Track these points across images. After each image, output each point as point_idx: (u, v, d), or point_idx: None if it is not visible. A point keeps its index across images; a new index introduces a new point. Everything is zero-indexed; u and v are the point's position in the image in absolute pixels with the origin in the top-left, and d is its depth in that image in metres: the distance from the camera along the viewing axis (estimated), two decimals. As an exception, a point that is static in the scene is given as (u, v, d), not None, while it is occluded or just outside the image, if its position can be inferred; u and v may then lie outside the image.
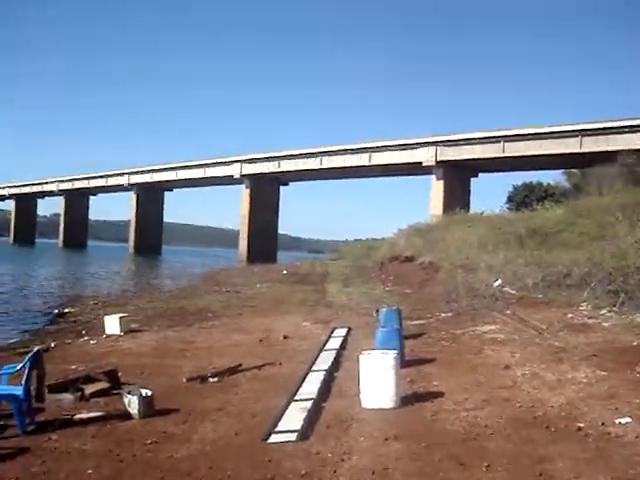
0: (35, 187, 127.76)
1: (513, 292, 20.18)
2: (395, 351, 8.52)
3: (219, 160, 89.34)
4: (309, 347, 13.03)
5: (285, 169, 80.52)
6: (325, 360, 11.13)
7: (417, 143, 64.28)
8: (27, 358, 7.97)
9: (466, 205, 55.63)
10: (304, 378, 9.61)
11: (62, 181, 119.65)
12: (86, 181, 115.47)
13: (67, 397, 9.18)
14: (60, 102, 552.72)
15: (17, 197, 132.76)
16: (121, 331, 16.07)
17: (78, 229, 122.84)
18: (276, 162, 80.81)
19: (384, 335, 10.59)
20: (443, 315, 17.47)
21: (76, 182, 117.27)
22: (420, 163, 63.59)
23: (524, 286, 20.36)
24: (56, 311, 23.19)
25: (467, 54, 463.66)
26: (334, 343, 13.17)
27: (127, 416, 7.98)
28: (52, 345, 14.77)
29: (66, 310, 23.12)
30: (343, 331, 14.92)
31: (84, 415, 8.07)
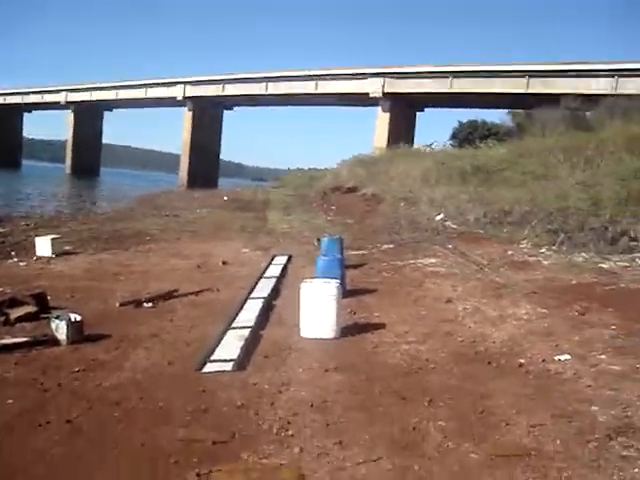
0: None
1: (455, 227, 20.28)
2: (337, 281, 8.27)
3: (162, 81, 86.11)
4: (248, 274, 12.75)
5: (229, 93, 78.29)
6: (264, 287, 10.88)
7: (365, 73, 63.05)
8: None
9: (411, 139, 55.55)
10: (242, 305, 9.35)
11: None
12: (19, 96, 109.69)
13: (-14, 322, 8.71)
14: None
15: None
16: (53, 253, 15.41)
17: (11, 147, 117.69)
18: (220, 85, 78.45)
19: (325, 264, 10.33)
20: (385, 247, 17.39)
21: (7, 97, 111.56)
22: (367, 94, 62.61)
23: (466, 221, 20.49)
24: (-19, 230, 22.22)
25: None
26: (274, 270, 12.92)
27: (55, 342, 7.57)
28: (-25, 265, 14.08)
29: (-5, 230, 22.16)
30: (283, 259, 14.68)
31: (7, 341, 7.60)
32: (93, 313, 9.20)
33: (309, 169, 63.97)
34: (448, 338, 7.94)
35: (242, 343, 7.23)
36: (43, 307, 9.35)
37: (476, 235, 18.77)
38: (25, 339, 7.69)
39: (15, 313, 8.81)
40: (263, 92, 73.43)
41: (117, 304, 9.72)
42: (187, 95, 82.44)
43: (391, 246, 17.40)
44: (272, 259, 14.69)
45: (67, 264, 14.15)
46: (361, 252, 16.25)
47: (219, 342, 7.30)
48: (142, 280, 12.01)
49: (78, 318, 7.78)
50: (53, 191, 50.97)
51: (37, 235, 17.59)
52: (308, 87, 68.37)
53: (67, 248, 16.74)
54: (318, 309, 7.64)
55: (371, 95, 62.29)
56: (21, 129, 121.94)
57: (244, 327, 7.98)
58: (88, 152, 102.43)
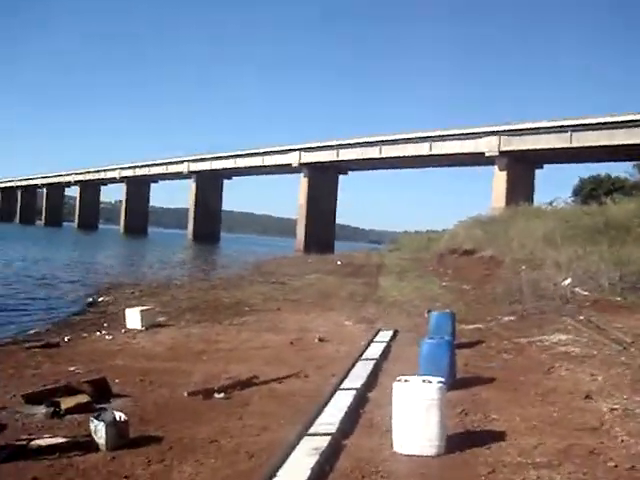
0: (98, 174, 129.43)
1: (586, 293, 17.83)
2: (440, 380, 6.33)
3: (278, 148, 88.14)
4: (346, 353, 11.12)
5: (344, 158, 78.55)
6: (360, 374, 9.18)
7: (480, 132, 61.23)
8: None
9: (530, 197, 52.61)
10: (329, 399, 7.69)
11: (124, 168, 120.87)
12: (146, 168, 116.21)
13: (39, 412, 7.58)
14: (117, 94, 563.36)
15: (81, 184, 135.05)
16: (142, 326, 14.53)
17: (139, 215, 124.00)
18: (334, 151, 78.90)
19: (431, 348, 8.42)
20: (505, 319, 15.27)
21: (137, 169, 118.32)
22: (482, 153, 60.70)
23: (598, 287, 18.02)
24: (90, 299, 22.05)
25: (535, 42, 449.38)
26: (375, 350, 11.21)
27: (94, 446, 6.25)
28: (66, 339, 13.37)
29: (100, 299, 21.90)
30: (388, 334, 12.96)
31: (42, 441, 6.37)
32: (156, 404, 7.93)
33: (426, 231, 62.27)
34: (594, 460, 5.76)
35: (316, 460, 5.56)
36: (103, 395, 8.20)
37: (613, 303, 16.32)
38: (62, 440, 6.42)
39: (66, 403, 7.64)
40: (377, 155, 72.98)
41: (185, 393, 8.35)
42: (302, 161, 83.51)
43: (512, 318, 15.25)
44: (375, 334, 13.02)
45: (152, 339, 13.13)
46: (477, 326, 14.23)
47: (287, 458, 5.66)
48: (225, 361, 10.67)
49: (123, 418, 6.44)
50: (172, 258, 51.88)
51: (137, 305, 16.91)
52: (422, 149, 67.22)
53: (160, 320, 15.93)
54: (415, 418, 5.86)
55: (487, 154, 60.23)
56: (148, 199, 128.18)
57: (324, 434, 6.33)
58: (209, 219, 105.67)
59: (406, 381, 6.06)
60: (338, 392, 8.09)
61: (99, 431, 6.24)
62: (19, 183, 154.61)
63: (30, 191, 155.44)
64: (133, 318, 14.80)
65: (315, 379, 9.21)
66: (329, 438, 6.20)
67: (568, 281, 19.33)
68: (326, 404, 7.46)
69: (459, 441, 6.14)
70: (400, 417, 5.95)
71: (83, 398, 7.77)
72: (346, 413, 7.07)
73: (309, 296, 21.56)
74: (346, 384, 8.54)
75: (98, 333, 14.07)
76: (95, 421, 6.32)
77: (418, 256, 38.35)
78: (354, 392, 8.00)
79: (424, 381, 6.02)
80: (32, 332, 15.28)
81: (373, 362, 10.03)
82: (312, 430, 6.49)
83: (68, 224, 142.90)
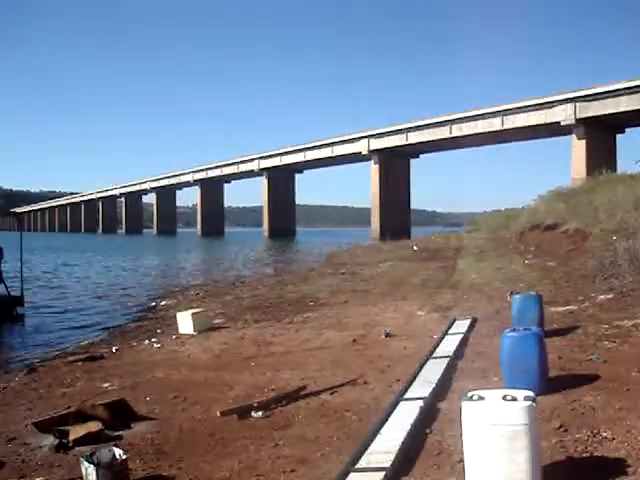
0: (172, 179, 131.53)
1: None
2: (529, 395, 4.36)
3: (346, 137, 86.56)
4: (415, 351, 9.51)
5: (413, 141, 76.17)
6: (429, 377, 7.54)
7: (554, 101, 57.72)
8: None
9: (612, 165, 48.95)
10: (387, 416, 6.14)
11: (196, 171, 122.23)
12: (218, 169, 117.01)
13: (48, 443, 6.39)
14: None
15: (157, 190, 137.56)
16: (195, 329, 13.35)
17: (214, 217, 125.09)
18: (403, 134, 76.64)
19: (515, 343, 6.62)
20: (601, 297, 13.23)
21: (209, 171, 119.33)
22: (558, 123, 57.17)
23: None
24: (153, 304, 21.23)
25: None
26: (449, 345, 9.53)
27: (88, 494, 4.95)
28: (113, 350, 12.34)
29: (163, 303, 21.03)
30: (465, 324, 11.23)
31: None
32: (181, 429, 6.61)
33: (505, 209, 59.30)
34: None
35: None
36: (123, 418, 6.93)
37: None
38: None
39: (75, 433, 6.39)
40: (447, 135, 70.25)
41: (218, 413, 6.96)
42: (372, 148, 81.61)
43: (610, 296, 13.19)
44: (450, 325, 11.33)
45: (203, 345, 11.90)
46: (568, 308, 12.28)
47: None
48: (274, 367, 9.24)
49: (121, 456, 5.08)
50: (244, 256, 51.22)
51: (190, 308, 15.80)
52: (493, 124, 64.08)
53: (218, 321, 14.83)
54: (494, 452, 4.14)
55: (563, 123, 56.66)
56: (222, 199, 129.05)
57: (376, 469, 4.78)
58: (283, 214, 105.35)
59: (480, 398, 4.29)
60: (401, 404, 6.51)
61: (90, 475, 4.93)
62: (99, 195, 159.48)
63: (110, 201, 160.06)
64: (185, 322, 13.66)
65: (375, 386, 7.63)
66: (382, 475, 4.65)
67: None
68: (384, 423, 5.90)
69: (559, 475, 4.44)
70: (473, 450, 4.23)
71: (94, 426, 6.50)
72: (407, 435, 5.48)
73: (380, 285, 19.98)
74: (411, 392, 6.94)
75: (147, 341, 12.97)
76: (85, 463, 5.00)
77: (498, 235, 36.17)
78: (420, 403, 6.40)
79: (505, 398, 4.25)
80: (84, 343, 14.46)
81: (446, 361, 8.37)
82: (362, 463, 4.96)
83: (148, 231, 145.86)
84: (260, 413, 6.82)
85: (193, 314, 13.71)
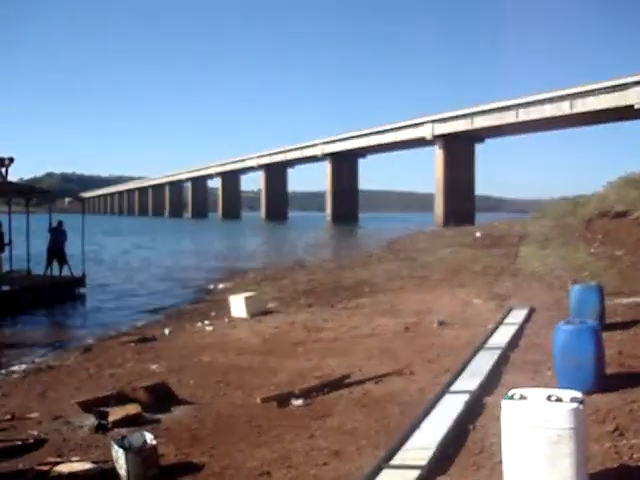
0: (237, 164, 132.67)
1: None
2: (576, 396, 3.97)
3: (409, 122, 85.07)
4: (467, 340, 9.15)
5: (478, 126, 74.15)
6: (479, 369, 7.21)
7: (627, 83, 54.83)
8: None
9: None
10: (430, 409, 5.85)
11: (261, 156, 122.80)
12: (282, 154, 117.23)
13: (86, 424, 6.39)
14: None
15: (222, 175, 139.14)
16: (248, 313, 13.29)
17: (278, 201, 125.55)
18: (468, 119, 74.74)
19: (569, 337, 6.19)
20: (673, 289, 12.53)
21: (273, 156, 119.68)
22: (632, 106, 54.33)
23: None
24: (211, 286, 21.39)
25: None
26: (503, 335, 9.13)
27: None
28: (166, 332, 12.42)
29: (221, 286, 21.16)
30: (522, 314, 10.78)
31: (66, 467, 5.09)
32: (219, 415, 6.51)
33: (574, 197, 57.24)
34: None
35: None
36: (163, 402, 6.87)
37: None
38: (89, 466, 5.08)
39: (115, 414, 6.36)
40: (514, 120, 68.16)
41: (258, 400, 6.81)
42: (436, 134, 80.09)
43: (682, 288, 12.49)
44: (507, 314, 10.90)
45: (253, 328, 11.82)
46: (635, 300, 11.60)
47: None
48: (321, 354, 9.06)
49: (152, 441, 4.98)
50: (306, 240, 51.21)
51: (247, 291, 15.78)
52: (562, 108, 61.60)
53: (270, 306, 14.80)
54: (535, 457, 3.80)
55: (637, 107, 53.93)
56: (286, 183, 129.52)
57: (412, 466, 4.51)
58: (346, 199, 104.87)
59: (522, 397, 3.94)
60: (445, 397, 6.22)
61: (119, 459, 4.85)
62: (166, 180, 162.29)
63: (176, 186, 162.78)
64: (238, 306, 13.63)
65: (422, 377, 7.34)
66: (417, 474, 4.39)
67: None
68: (425, 417, 5.62)
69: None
70: (513, 454, 3.91)
71: (133, 409, 6.45)
72: (448, 431, 5.19)
73: (438, 272, 19.53)
74: (458, 385, 6.63)
75: (199, 324, 12.99)
76: (115, 447, 4.92)
77: (564, 222, 34.84)
78: (466, 397, 6.08)
79: (550, 399, 3.89)
80: (140, 324, 14.65)
81: (498, 352, 8.00)
82: (397, 459, 4.70)
83: (213, 214, 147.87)
84: (300, 401, 6.64)
85: (246, 298, 13.65)
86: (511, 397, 3.96)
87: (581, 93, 59.39)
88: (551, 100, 62.47)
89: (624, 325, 9.30)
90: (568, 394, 3.90)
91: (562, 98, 61.15)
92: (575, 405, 3.77)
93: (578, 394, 3.92)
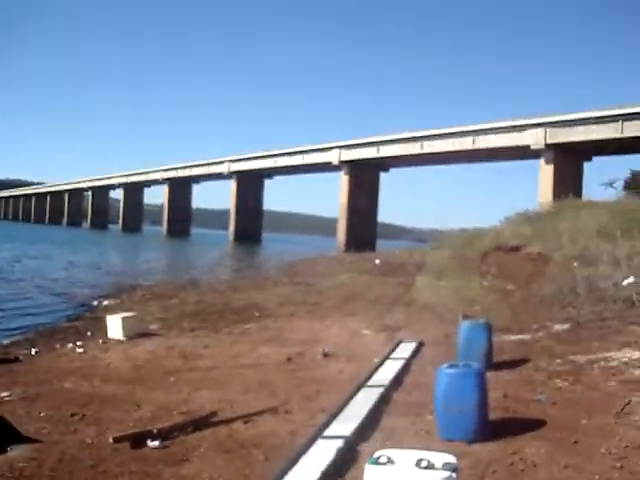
0: (142, 176, 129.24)
1: (655, 296, 14.92)
2: (449, 462, 3.48)
3: (318, 147, 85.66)
4: (351, 375, 8.70)
5: (384, 154, 75.44)
6: (357, 411, 6.72)
7: (525, 125, 57.43)
8: None
9: (578, 191, 48.81)
10: (298, 457, 5.28)
11: (167, 170, 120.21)
12: (187, 169, 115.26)
13: None
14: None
15: (125, 186, 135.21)
16: (124, 335, 12.39)
17: (181, 216, 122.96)
18: (375, 147, 75.94)
19: (452, 381, 5.83)
20: (557, 327, 12.57)
21: (178, 171, 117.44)
22: (528, 146, 56.99)
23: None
24: (95, 302, 20.15)
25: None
26: (388, 371, 8.75)
27: None
28: (33, 352, 11.36)
29: (105, 302, 19.96)
30: (410, 348, 10.48)
31: None
32: (62, 457, 5.73)
33: (473, 229, 58.91)
34: None
35: None
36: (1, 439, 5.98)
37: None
38: None
39: None
40: (418, 151, 69.75)
41: (110, 439, 6.05)
42: (342, 159, 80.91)
43: (566, 326, 12.53)
44: (394, 348, 10.57)
45: (127, 353, 10.98)
46: (522, 337, 11.56)
47: None
48: (194, 385, 8.36)
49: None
50: (205, 259, 50.02)
51: (131, 311, 14.86)
52: (465, 144, 63.62)
53: (152, 327, 13.96)
54: None
55: (532, 147, 56.54)
56: (190, 199, 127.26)
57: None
58: (250, 219, 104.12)
59: (389, 461, 3.41)
60: (318, 442, 5.68)
61: None
62: (66, 187, 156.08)
63: (77, 194, 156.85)
64: (114, 326, 12.72)
65: (296, 417, 6.79)
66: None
67: (630, 280, 16.45)
68: (292, 466, 5.05)
69: None
70: None
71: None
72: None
73: (332, 298, 19.17)
74: (333, 428, 6.10)
75: (70, 345, 11.97)
76: None
77: (461, 254, 35.55)
78: (340, 443, 5.57)
79: (420, 465, 3.35)
80: (7, 342, 13.35)
81: (380, 390, 7.56)
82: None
83: (113, 226, 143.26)
84: (157, 442, 5.93)
85: (123, 318, 12.76)
86: (377, 460, 3.44)
87: (483, 130, 61.52)
88: (455, 135, 64.37)
89: (511, 364, 9.13)
90: (441, 459, 3.42)
91: (465, 134, 63.12)
92: (447, 475, 3.28)
93: (452, 459, 3.46)
